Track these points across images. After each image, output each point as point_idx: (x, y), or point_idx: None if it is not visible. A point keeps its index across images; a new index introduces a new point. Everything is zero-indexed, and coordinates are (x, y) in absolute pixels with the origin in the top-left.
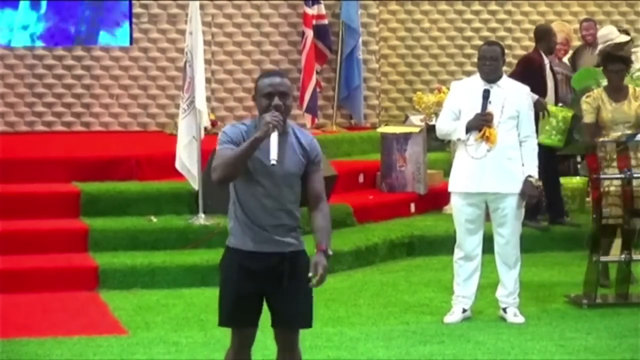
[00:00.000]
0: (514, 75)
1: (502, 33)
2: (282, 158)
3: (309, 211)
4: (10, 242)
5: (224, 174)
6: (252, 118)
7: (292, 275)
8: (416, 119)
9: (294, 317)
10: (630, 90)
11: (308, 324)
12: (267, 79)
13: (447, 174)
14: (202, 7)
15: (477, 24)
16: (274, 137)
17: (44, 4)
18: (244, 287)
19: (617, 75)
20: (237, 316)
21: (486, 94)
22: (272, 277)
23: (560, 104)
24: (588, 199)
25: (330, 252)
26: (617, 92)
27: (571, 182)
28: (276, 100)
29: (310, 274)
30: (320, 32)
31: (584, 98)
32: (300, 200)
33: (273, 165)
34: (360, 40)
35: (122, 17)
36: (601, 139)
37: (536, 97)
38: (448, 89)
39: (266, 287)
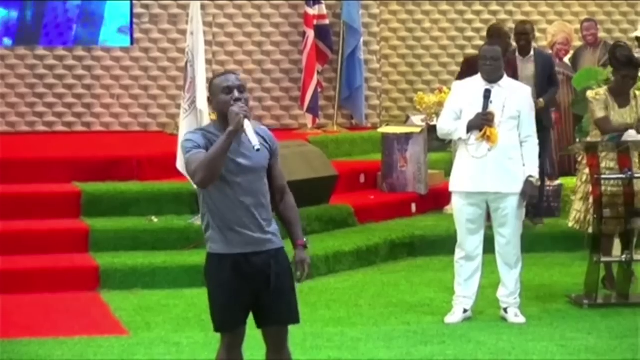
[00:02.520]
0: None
1: None
2: (249, 153)
3: (274, 204)
4: (11, 242)
5: (207, 174)
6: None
7: (277, 273)
8: (417, 119)
9: (283, 314)
10: (633, 95)
11: (297, 320)
12: (222, 77)
13: (448, 174)
14: (203, 7)
15: (478, 24)
16: (247, 125)
17: None
18: (235, 291)
19: (632, 82)
20: (232, 320)
21: (487, 94)
22: (260, 277)
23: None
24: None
25: (307, 244)
26: (622, 96)
27: (572, 182)
28: (236, 94)
29: (298, 273)
30: (322, 32)
31: (591, 96)
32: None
33: (258, 150)
34: (362, 40)
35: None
36: (588, 139)
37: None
38: (449, 89)
39: (255, 287)
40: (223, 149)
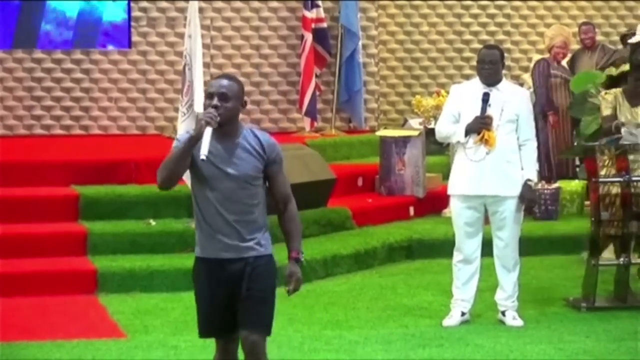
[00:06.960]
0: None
1: (500, 36)
2: (236, 161)
3: (278, 213)
4: (10, 245)
5: (163, 176)
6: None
7: (251, 280)
8: (415, 123)
9: (249, 319)
10: None
11: (262, 329)
12: (214, 80)
13: (445, 177)
14: (201, 10)
15: (475, 28)
16: (207, 133)
17: None
18: (215, 296)
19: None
20: (214, 325)
21: (486, 97)
22: (236, 282)
23: None
24: (587, 202)
25: (302, 257)
26: (635, 97)
27: (570, 185)
28: (215, 101)
29: (289, 287)
30: (320, 36)
31: (602, 94)
32: (269, 205)
33: (202, 160)
34: (360, 43)
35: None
36: (592, 143)
37: None
38: (447, 92)
39: (230, 294)
40: (181, 154)
